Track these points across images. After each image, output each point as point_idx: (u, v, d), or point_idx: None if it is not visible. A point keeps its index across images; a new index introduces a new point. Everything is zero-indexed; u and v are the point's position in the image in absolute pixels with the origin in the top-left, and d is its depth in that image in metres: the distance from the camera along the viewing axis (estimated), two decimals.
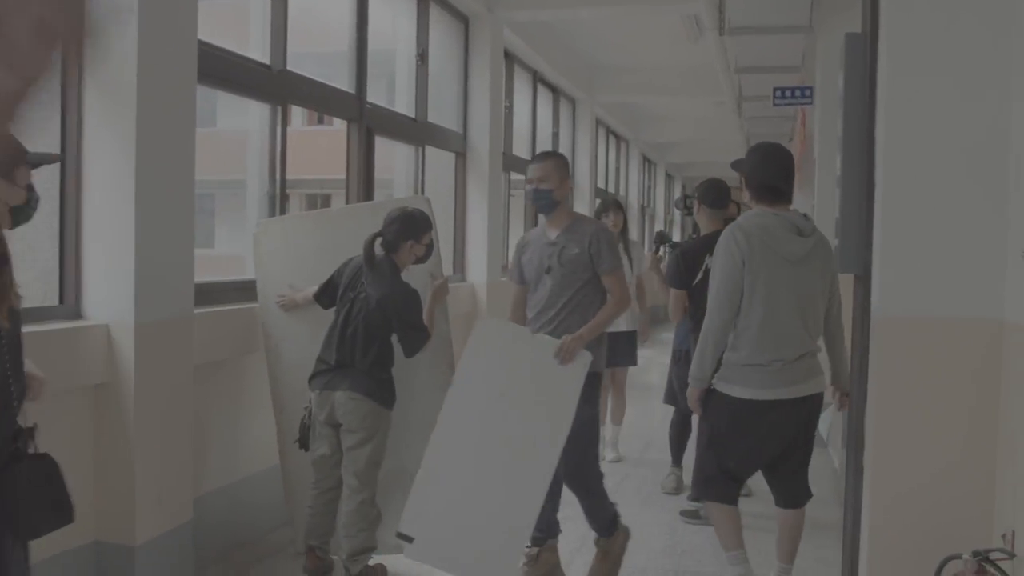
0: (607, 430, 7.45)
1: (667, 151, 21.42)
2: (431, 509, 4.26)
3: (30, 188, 2.80)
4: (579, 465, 4.57)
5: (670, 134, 18.57)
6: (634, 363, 7.40)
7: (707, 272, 5.17)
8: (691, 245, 5.90)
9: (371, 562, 4.64)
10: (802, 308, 4.16)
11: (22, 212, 2.81)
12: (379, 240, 4.70)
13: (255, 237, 5.20)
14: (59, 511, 2.93)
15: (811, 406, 4.23)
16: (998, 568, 3.03)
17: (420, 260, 4.81)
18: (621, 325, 6.84)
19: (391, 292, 4.60)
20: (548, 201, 4.66)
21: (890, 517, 3.52)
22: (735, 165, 4.58)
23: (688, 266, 5.72)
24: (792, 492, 4.39)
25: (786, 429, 4.22)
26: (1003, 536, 3.14)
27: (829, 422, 5.02)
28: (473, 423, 4.32)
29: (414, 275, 4.83)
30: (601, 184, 15.16)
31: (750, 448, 4.28)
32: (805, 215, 4.31)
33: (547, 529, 4.68)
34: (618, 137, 17.28)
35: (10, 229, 2.78)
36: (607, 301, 4.60)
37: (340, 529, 4.61)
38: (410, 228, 4.71)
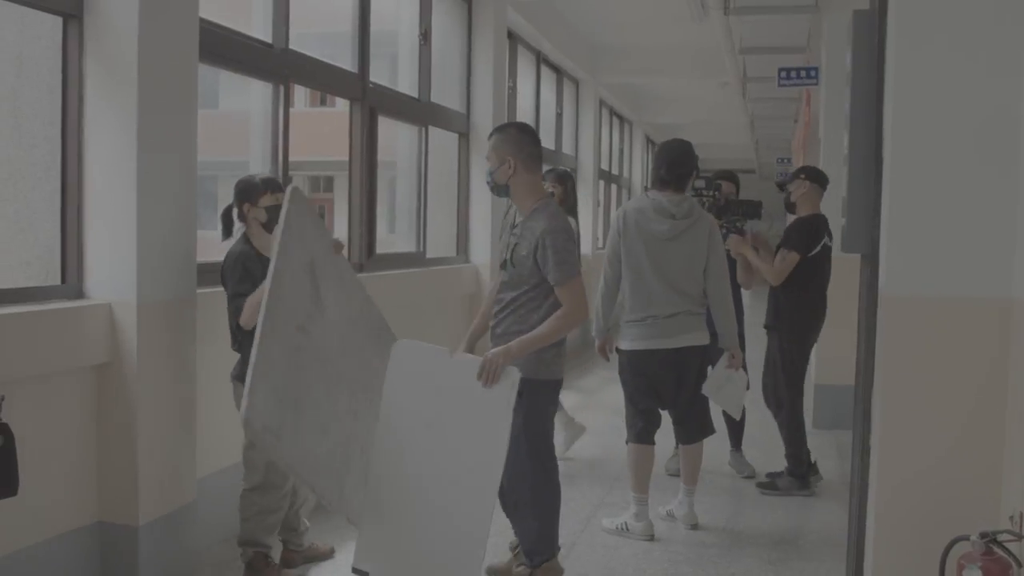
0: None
1: (671, 133, 21.19)
2: (381, 544, 4.11)
3: None
4: (509, 475, 4.14)
5: (674, 115, 18.50)
6: None
7: (824, 248, 6.03)
8: (816, 219, 6.10)
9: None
10: (669, 277, 5.09)
11: None
12: (235, 212, 4.50)
13: None
14: (3, 482, 2.91)
15: (687, 357, 5.14)
16: (1006, 550, 3.01)
17: (268, 227, 4.44)
18: None
19: (225, 257, 4.40)
20: (491, 184, 4.28)
21: (897, 498, 3.49)
22: None
23: (813, 236, 6.02)
24: (686, 431, 5.37)
25: (668, 375, 5.14)
26: (1011, 517, 3.12)
27: (717, 383, 5.37)
28: (405, 459, 4.04)
29: None
30: (604, 166, 15.11)
31: (645, 389, 5.18)
32: (690, 198, 5.24)
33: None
34: (622, 119, 17.21)
35: None
36: (559, 309, 4.11)
37: None
38: (246, 190, 4.46)
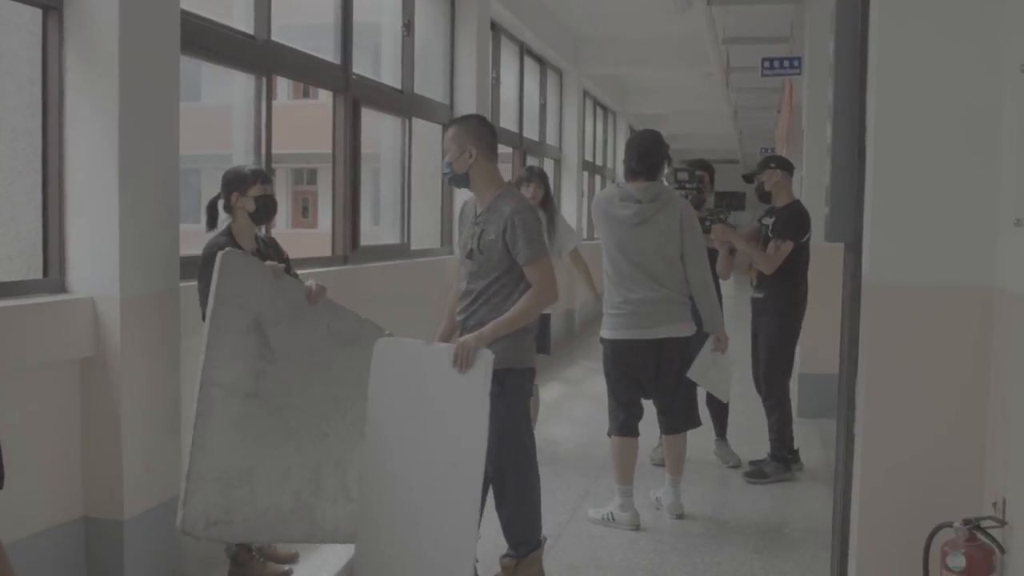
0: None
1: (655, 123, 21.29)
2: (377, 549, 4.12)
3: None
4: (496, 466, 4.18)
5: (658, 106, 18.50)
6: (546, 351, 6.61)
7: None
8: (801, 206, 6.33)
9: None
10: (642, 262, 5.09)
11: None
12: (221, 204, 4.45)
13: None
14: None
15: (668, 347, 5.13)
16: (989, 536, 3.04)
17: (256, 218, 4.43)
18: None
19: (205, 248, 4.32)
20: (450, 175, 4.27)
21: (881, 486, 3.51)
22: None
23: (804, 224, 6.18)
24: (669, 421, 5.34)
25: (648, 364, 5.14)
26: (994, 504, 3.14)
27: (704, 367, 5.38)
28: (395, 454, 4.09)
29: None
30: (588, 157, 15.10)
31: (627, 380, 5.19)
32: (658, 184, 5.22)
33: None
34: (605, 109, 17.21)
35: None
36: (528, 292, 4.15)
37: None
38: (234, 180, 4.42)
